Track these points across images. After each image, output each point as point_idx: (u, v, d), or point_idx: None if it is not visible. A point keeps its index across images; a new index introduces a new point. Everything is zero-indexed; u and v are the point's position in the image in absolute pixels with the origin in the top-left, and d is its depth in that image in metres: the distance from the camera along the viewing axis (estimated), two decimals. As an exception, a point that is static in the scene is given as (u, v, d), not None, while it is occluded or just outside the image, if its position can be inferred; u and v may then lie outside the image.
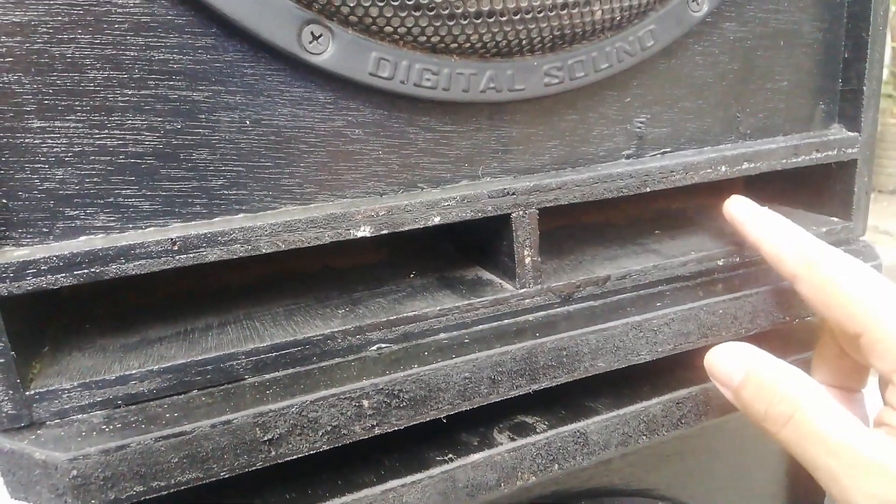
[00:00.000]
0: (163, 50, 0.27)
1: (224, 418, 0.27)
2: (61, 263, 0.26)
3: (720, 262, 0.39)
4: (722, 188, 0.53)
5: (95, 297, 0.35)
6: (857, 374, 0.35)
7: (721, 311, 0.36)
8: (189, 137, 0.28)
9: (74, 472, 0.25)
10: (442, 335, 0.33)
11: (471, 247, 0.39)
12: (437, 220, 0.32)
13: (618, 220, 0.47)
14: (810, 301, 0.33)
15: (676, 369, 0.38)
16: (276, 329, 0.31)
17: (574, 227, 0.44)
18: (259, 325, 0.32)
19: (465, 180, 0.33)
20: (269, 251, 0.29)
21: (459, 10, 0.28)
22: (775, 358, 0.31)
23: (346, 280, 0.38)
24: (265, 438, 0.28)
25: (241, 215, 0.29)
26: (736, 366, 0.31)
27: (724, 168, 0.38)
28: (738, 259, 0.40)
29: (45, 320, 0.32)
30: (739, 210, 0.38)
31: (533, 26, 0.30)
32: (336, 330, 0.31)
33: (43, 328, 0.32)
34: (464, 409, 0.31)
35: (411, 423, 0.30)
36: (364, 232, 0.30)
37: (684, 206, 0.50)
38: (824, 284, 0.31)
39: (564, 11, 0.30)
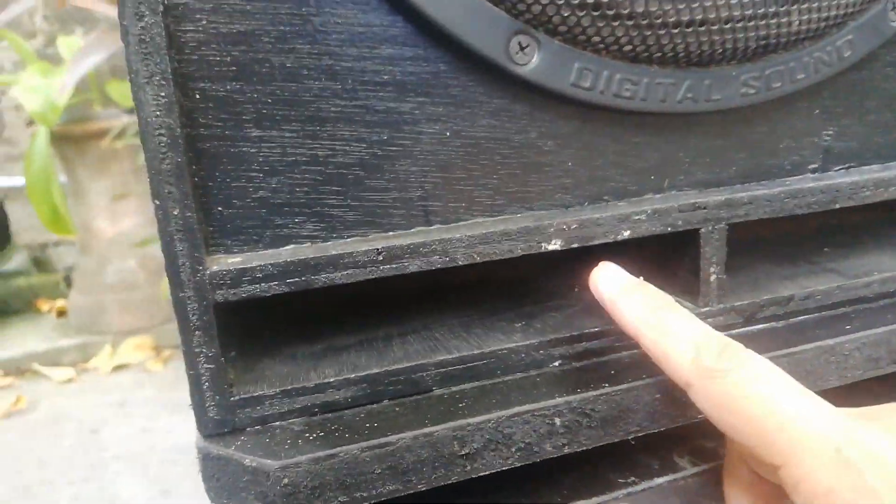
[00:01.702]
0: (375, 61, 0.27)
1: (425, 430, 0.26)
2: (276, 271, 0.26)
3: (904, 284, 0.37)
4: (874, 205, 0.50)
5: (268, 303, 0.36)
6: (783, 499, 0.26)
7: (913, 337, 0.34)
8: (393, 149, 0.28)
9: (286, 481, 0.25)
10: (624, 353, 0.32)
11: (639, 261, 0.38)
12: (626, 235, 0.31)
13: (772, 235, 0.45)
14: (712, 418, 0.25)
15: (855, 394, 0.35)
16: (458, 341, 0.31)
17: (736, 243, 0.42)
18: (439, 335, 0.32)
19: (650, 193, 0.32)
20: (464, 263, 0.29)
21: (672, 19, 0.27)
22: None
23: (510, 292, 0.37)
24: (462, 452, 0.27)
25: (436, 226, 0.29)
26: None
27: (914, 185, 0.36)
28: (922, 281, 0.37)
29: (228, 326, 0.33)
30: (609, 286, 0.29)
31: (741, 35, 0.29)
32: (520, 344, 0.30)
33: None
34: (651, 432, 0.30)
35: (599, 444, 0.30)
36: (555, 245, 0.30)
37: (839, 223, 0.48)
38: (730, 402, 0.24)
39: (774, 20, 0.29)
